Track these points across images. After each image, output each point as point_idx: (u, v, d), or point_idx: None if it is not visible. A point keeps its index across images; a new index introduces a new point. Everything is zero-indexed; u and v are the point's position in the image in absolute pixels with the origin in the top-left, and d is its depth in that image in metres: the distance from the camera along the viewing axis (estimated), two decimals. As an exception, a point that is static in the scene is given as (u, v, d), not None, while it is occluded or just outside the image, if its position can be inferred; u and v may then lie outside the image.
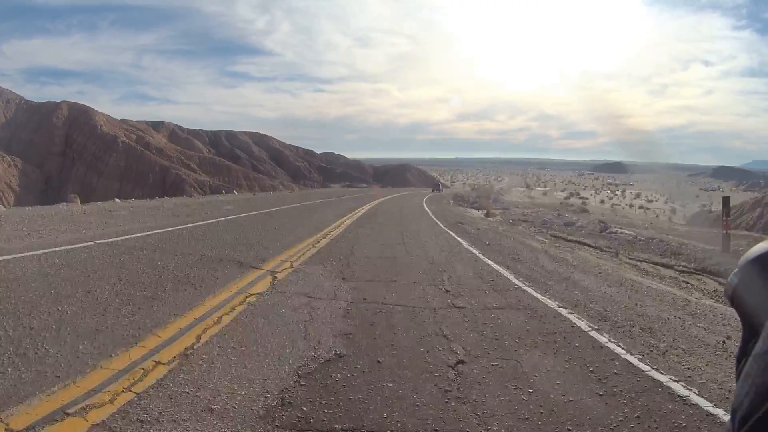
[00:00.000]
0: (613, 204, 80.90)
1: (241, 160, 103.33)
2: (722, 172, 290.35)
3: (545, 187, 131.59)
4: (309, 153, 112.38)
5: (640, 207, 72.31)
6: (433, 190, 54.79)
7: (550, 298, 5.76)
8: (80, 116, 64.64)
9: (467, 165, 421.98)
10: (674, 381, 3.39)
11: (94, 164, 56.36)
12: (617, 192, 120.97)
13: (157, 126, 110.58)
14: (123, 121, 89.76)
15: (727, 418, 1.77)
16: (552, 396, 3.12)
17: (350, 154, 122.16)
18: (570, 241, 14.04)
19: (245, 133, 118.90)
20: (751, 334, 0.66)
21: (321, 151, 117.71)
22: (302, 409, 2.82)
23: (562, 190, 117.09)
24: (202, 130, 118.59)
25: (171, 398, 2.79)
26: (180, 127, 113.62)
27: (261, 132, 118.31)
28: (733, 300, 0.72)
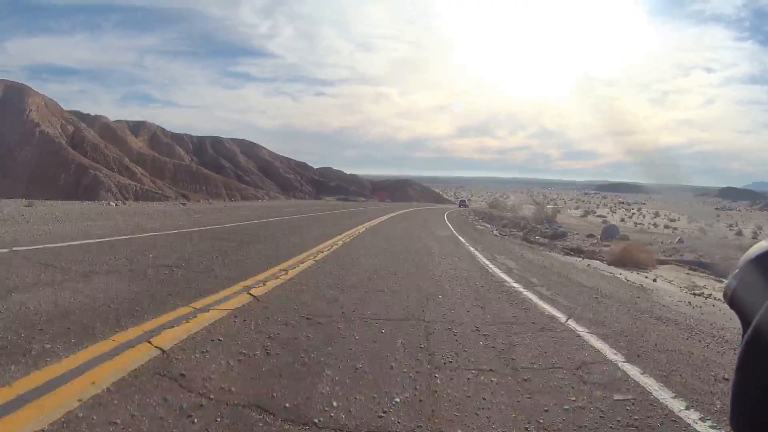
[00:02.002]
0: (636, 223, 72.64)
1: (225, 170, 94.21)
2: (729, 193, 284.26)
3: (555, 205, 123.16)
4: (301, 165, 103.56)
5: (666, 226, 63.34)
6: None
7: None
8: (14, 96, 53.99)
9: (467, 184, 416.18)
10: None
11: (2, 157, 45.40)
12: (633, 210, 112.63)
13: (137, 127, 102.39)
14: (74, 112, 79.13)
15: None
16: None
17: (349, 170, 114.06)
18: None
19: (233, 140, 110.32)
20: None
21: (319, 166, 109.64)
22: None
23: (576, 208, 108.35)
24: (186, 135, 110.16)
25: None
26: (163, 130, 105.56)
27: (251, 140, 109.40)
28: (733, 301, 0.71)
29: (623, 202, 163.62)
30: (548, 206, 79.23)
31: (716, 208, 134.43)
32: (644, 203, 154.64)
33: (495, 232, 20.72)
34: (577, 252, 14.45)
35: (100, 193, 37.87)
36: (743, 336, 0.65)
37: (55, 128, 54.80)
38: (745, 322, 0.66)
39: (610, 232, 25.62)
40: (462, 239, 14.55)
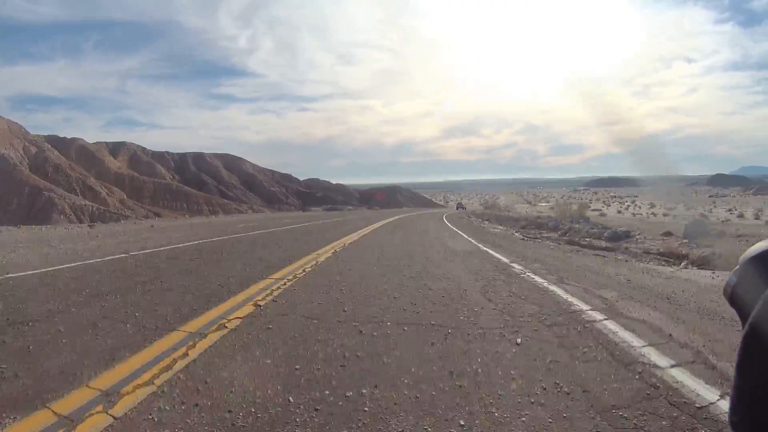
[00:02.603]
0: (634, 214, 70.76)
1: (207, 186, 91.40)
2: (719, 180, 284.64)
3: (548, 203, 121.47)
4: (286, 177, 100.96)
5: (664, 215, 61.46)
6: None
7: None
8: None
9: (455, 188, 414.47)
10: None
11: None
12: (627, 203, 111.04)
13: (117, 148, 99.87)
14: (50, 136, 76.79)
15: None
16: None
17: (336, 180, 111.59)
18: None
19: (216, 155, 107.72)
20: None
21: (305, 178, 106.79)
22: None
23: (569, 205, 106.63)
24: (167, 152, 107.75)
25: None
26: (144, 150, 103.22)
27: (234, 155, 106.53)
28: (733, 299, 0.71)
29: (615, 196, 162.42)
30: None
31: (710, 196, 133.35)
32: (636, 196, 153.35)
33: (516, 234, 17.94)
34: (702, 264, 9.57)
35: (53, 216, 34.79)
36: (742, 333, 0.65)
37: (17, 151, 51.77)
38: (745, 318, 0.66)
39: (697, 230, 18.15)
40: (492, 252, 10.67)
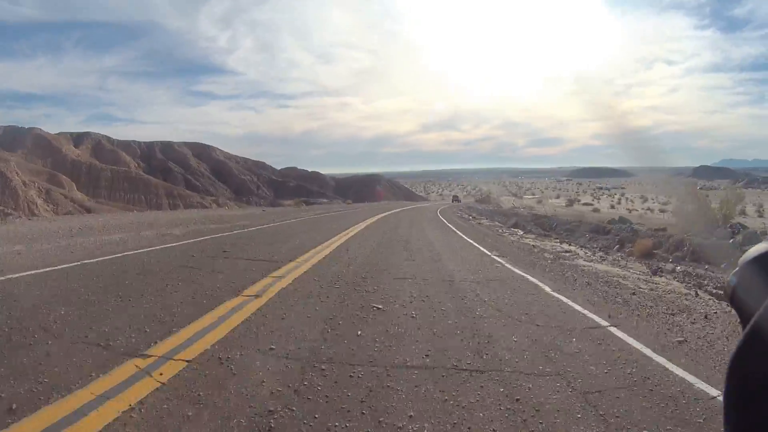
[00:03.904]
0: (628, 209, 66.42)
1: (173, 174, 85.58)
2: (703, 172, 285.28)
3: (533, 195, 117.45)
4: (259, 165, 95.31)
5: (661, 211, 57.22)
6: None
7: None
8: None
9: (436, 177, 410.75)
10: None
11: None
12: (616, 196, 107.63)
13: (80, 138, 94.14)
14: (8, 127, 72.22)
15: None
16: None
17: (314, 169, 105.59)
18: None
19: (185, 144, 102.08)
20: None
21: (282, 167, 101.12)
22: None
23: (557, 197, 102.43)
24: (134, 141, 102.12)
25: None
26: (109, 139, 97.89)
27: (205, 143, 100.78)
28: (733, 300, 0.72)
29: (602, 188, 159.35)
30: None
31: (700, 188, 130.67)
32: (623, 188, 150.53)
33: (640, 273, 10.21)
34: None
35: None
36: (742, 333, 0.65)
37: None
38: (745, 319, 0.66)
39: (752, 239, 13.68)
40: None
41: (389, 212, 37.01)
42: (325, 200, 71.41)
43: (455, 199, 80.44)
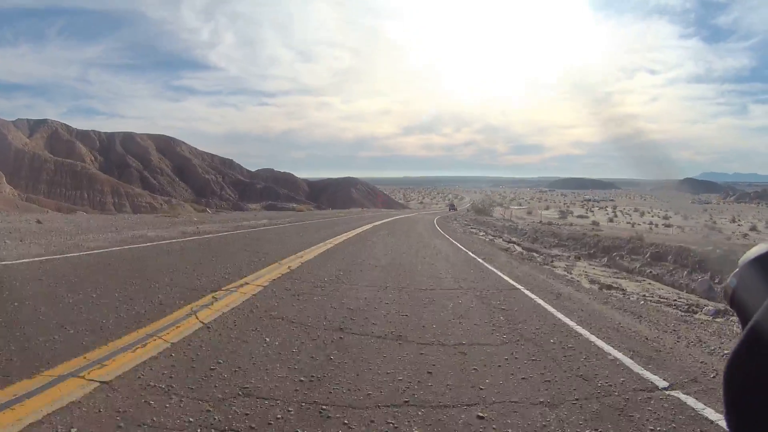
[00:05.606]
0: (630, 223, 60.52)
1: (129, 170, 77.48)
2: (689, 185, 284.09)
3: (520, 205, 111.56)
4: (226, 163, 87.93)
5: (666, 225, 51.57)
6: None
7: None
8: None
9: (417, 184, 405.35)
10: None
11: None
12: (608, 208, 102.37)
13: (36, 126, 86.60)
14: None
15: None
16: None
17: (295, 173, 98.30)
18: None
19: (148, 136, 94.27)
20: None
21: (259, 168, 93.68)
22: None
23: (546, 209, 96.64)
24: (94, 131, 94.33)
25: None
26: (68, 128, 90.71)
27: (170, 136, 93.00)
28: (733, 301, 0.72)
29: (590, 200, 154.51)
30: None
31: (692, 202, 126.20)
32: (612, 200, 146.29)
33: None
34: None
35: None
36: (742, 334, 0.65)
37: None
38: (745, 320, 0.67)
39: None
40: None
41: (378, 224, 23.28)
42: (294, 204, 64.30)
43: (451, 207, 78.69)
